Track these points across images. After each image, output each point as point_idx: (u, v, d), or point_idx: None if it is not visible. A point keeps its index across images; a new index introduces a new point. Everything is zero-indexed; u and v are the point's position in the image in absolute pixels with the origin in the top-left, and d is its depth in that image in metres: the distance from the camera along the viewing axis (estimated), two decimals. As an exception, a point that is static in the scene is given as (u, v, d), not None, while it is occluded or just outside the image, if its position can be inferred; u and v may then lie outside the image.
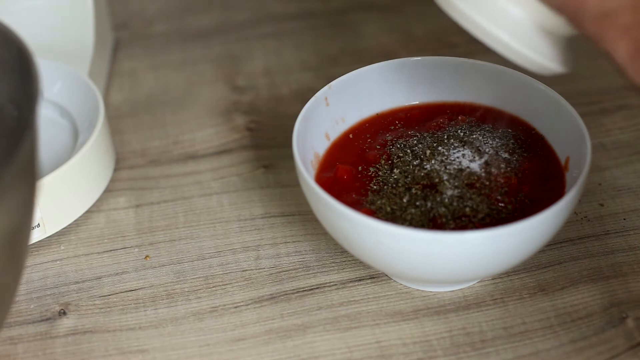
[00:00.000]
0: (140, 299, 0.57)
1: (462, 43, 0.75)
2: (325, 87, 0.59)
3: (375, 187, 0.55)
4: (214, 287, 0.57)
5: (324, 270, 0.58)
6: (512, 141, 0.57)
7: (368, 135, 0.59)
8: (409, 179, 0.55)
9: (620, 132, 0.67)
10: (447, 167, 0.55)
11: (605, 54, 0.44)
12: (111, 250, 0.60)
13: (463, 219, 0.53)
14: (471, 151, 0.56)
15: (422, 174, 0.55)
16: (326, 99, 0.59)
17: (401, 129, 0.59)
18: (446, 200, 0.53)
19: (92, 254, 0.60)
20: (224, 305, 0.56)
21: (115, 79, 0.75)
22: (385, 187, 0.55)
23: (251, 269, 0.58)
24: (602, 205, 0.61)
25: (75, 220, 0.61)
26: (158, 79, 0.75)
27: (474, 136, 0.57)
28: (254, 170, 0.66)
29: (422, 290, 0.56)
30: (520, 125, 0.59)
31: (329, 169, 0.57)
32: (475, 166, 0.55)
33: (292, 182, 0.63)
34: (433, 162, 0.55)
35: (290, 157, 0.55)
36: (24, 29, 0.50)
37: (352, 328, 0.54)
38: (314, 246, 0.59)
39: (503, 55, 0.49)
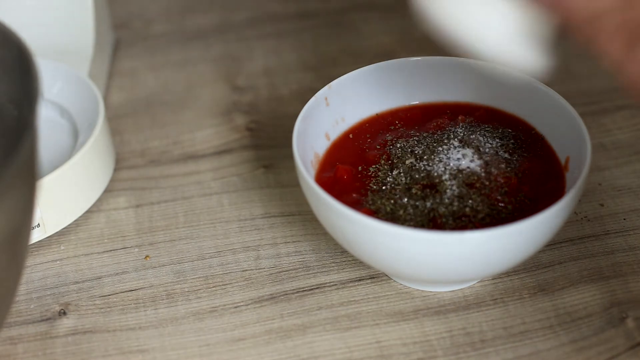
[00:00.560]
0: (140, 299, 0.57)
1: (462, 43, 0.75)
2: (325, 87, 0.59)
3: (375, 187, 0.55)
4: (214, 287, 0.57)
5: (324, 270, 0.58)
6: (512, 141, 0.57)
7: (368, 135, 0.59)
8: (409, 179, 0.55)
9: (620, 132, 0.67)
10: (447, 167, 0.55)
11: (597, 56, 0.44)
12: (111, 250, 0.60)
13: (463, 219, 0.53)
14: (471, 151, 0.56)
15: (422, 174, 0.55)
16: (326, 99, 0.59)
17: (401, 129, 0.59)
18: (446, 200, 0.53)
19: (92, 254, 0.60)
20: (224, 305, 0.56)
21: (115, 79, 0.75)
22: (385, 187, 0.55)
23: (251, 269, 0.58)
24: (602, 205, 0.61)
25: (75, 220, 0.61)
26: (158, 79, 0.75)
27: (474, 136, 0.57)
28: (254, 170, 0.66)
29: (422, 290, 0.56)
30: (520, 125, 0.59)
31: (329, 169, 0.57)
32: (475, 166, 0.55)
33: (292, 182, 0.63)
34: (433, 162, 0.55)
35: (290, 157, 0.55)
36: (24, 29, 0.50)
37: (352, 328, 0.54)
38: (314, 246, 0.59)
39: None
